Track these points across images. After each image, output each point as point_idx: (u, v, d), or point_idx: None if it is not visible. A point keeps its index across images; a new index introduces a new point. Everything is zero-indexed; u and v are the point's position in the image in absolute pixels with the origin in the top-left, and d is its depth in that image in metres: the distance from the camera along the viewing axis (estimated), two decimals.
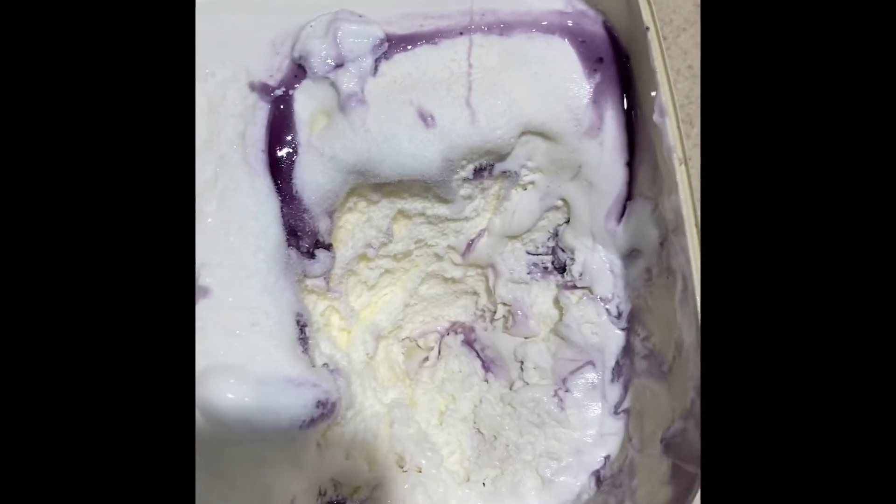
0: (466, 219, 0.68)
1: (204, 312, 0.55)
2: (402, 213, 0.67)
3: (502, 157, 0.63)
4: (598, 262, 0.66)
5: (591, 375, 0.67)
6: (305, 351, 0.59)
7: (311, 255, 0.62)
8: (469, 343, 0.75)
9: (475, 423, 0.71)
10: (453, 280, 0.74)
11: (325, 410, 0.57)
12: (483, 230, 0.70)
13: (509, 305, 0.72)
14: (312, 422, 0.56)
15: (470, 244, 0.70)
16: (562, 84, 0.61)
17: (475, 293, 0.76)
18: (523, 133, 0.62)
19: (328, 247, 0.64)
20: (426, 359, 0.77)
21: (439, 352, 0.76)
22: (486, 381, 0.73)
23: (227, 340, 0.55)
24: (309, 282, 0.64)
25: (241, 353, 0.55)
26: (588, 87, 0.61)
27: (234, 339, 0.55)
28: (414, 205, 0.66)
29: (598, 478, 0.65)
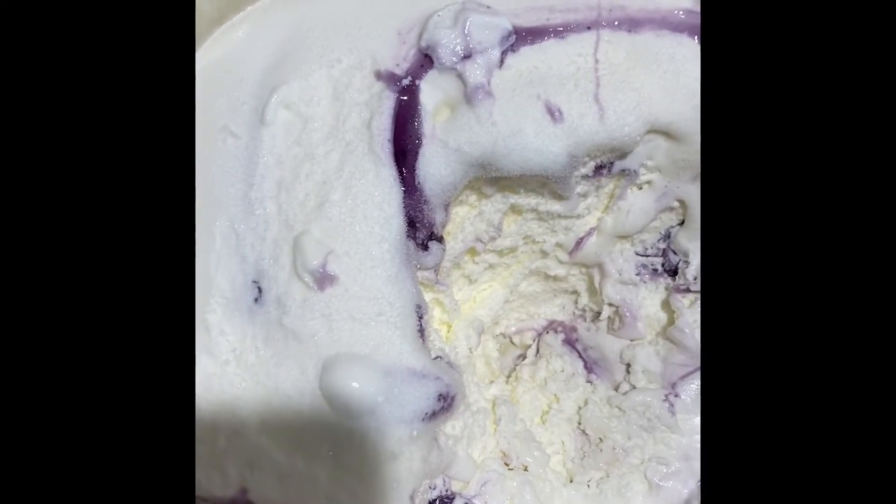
0: (578, 216, 0.67)
1: (331, 300, 0.55)
2: (514, 209, 0.67)
3: (623, 155, 0.62)
4: None
5: None
6: (425, 343, 0.59)
7: (425, 248, 0.62)
8: (570, 343, 0.75)
9: (580, 424, 0.70)
10: (556, 278, 0.73)
11: (446, 404, 0.57)
12: (593, 228, 0.69)
13: (616, 306, 0.71)
14: (434, 415, 0.56)
15: (579, 242, 0.69)
16: (691, 84, 0.60)
17: (575, 292, 0.75)
18: (648, 132, 0.61)
19: (440, 239, 0.63)
20: (521, 356, 0.77)
21: (538, 350, 0.76)
22: (590, 382, 0.72)
23: (353, 329, 0.55)
24: (420, 274, 0.64)
25: (367, 342, 0.55)
26: None
27: (360, 328, 0.55)
28: (528, 200, 0.65)
29: None
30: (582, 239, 0.69)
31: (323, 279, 0.56)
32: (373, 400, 0.53)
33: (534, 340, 0.76)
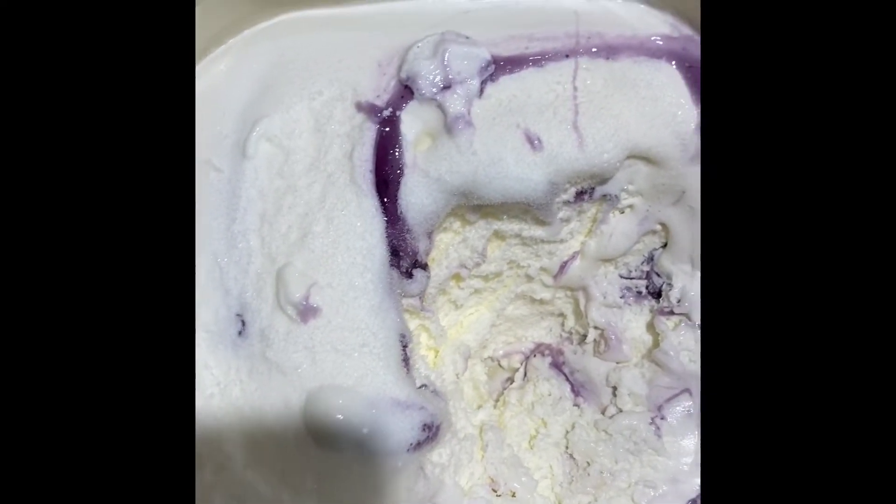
0: (561, 241, 0.68)
1: (314, 332, 0.56)
2: (498, 234, 0.67)
3: (604, 181, 0.63)
4: (698, 289, 0.65)
5: (687, 403, 0.66)
6: (409, 372, 0.59)
7: (410, 275, 0.62)
8: (557, 366, 0.75)
9: (567, 448, 0.70)
10: (542, 301, 0.74)
11: (431, 433, 0.57)
12: (576, 252, 0.69)
13: (602, 329, 0.71)
14: (419, 445, 0.56)
15: (563, 266, 0.70)
16: (669, 109, 0.60)
17: (561, 315, 0.76)
18: (628, 157, 0.61)
19: (425, 266, 0.64)
20: (509, 379, 0.77)
21: (525, 373, 0.76)
22: (577, 405, 0.72)
23: (337, 361, 0.55)
24: (405, 301, 0.64)
25: (350, 373, 0.55)
26: (696, 112, 0.60)
27: (344, 360, 0.55)
28: (511, 226, 0.66)
29: None
30: (566, 263, 0.70)
31: (306, 311, 0.56)
32: (357, 432, 0.53)
33: (521, 364, 0.77)
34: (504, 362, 0.78)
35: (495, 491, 0.65)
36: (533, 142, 0.59)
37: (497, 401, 0.75)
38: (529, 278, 0.71)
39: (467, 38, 0.61)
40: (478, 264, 0.68)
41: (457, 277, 0.69)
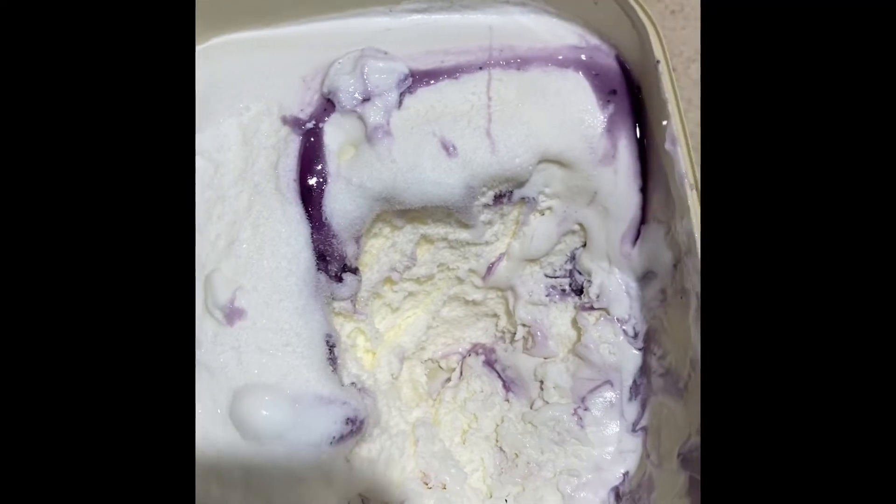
0: (487, 243, 0.71)
1: (240, 333, 0.58)
2: (426, 238, 0.70)
3: (521, 184, 0.66)
4: (615, 284, 0.68)
5: (609, 394, 0.69)
6: (335, 370, 0.62)
7: (339, 279, 0.65)
8: (490, 364, 0.78)
9: (497, 441, 0.73)
10: (474, 302, 0.77)
11: (354, 427, 0.60)
12: (503, 254, 0.73)
13: (529, 326, 0.74)
14: (342, 438, 0.58)
15: (490, 267, 0.73)
16: (577, 115, 0.64)
17: (495, 315, 0.79)
18: (541, 161, 0.65)
19: (355, 271, 0.67)
20: (448, 379, 0.80)
21: (461, 372, 0.79)
22: (508, 400, 0.75)
23: (261, 360, 0.58)
24: (336, 304, 0.67)
25: (274, 372, 0.58)
26: (602, 117, 0.64)
27: (268, 359, 0.58)
28: (436, 230, 0.69)
29: (618, 493, 0.67)
30: (493, 264, 0.73)
31: (232, 314, 0.59)
32: (281, 426, 0.56)
33: (458, 364, 0.80)
34: (443, 363, 0.81)
35: (426, 484, 0.68)
36: (448, 148, 0.62)
37: (435, 400, 0.78)
38: (460, 280, 0.75)
39: (385, 53, 0.64)
40: (408, 267, 0.71)
41: (389, 281, 0.72)
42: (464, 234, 0.69)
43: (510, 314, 0.76)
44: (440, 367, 0.81)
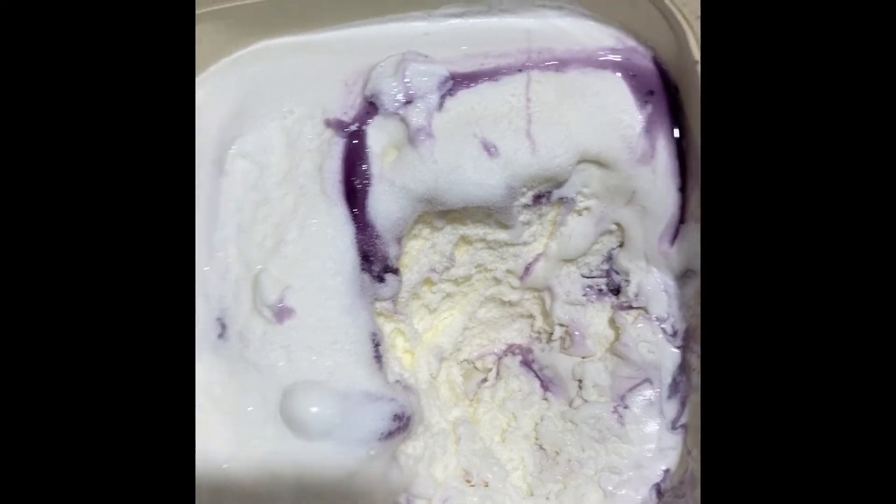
0: (525, 243, 0.72)
1: (290, 332, 0.59)
2: (464, 239, 0.71)
3: (559, 184, 0.67)
4: (653, 284, 0.69)
5: (648, 392, 0.69)
6: (381, 368, 0.63)
7: (381, 279, 0.66)
8: (527, 364, 0.79)
9: (537, 439, 0.74)
10: (510, 303, 0.77)
11: (401, 423, 0.60)
12: (540, 254, 0.73)
13: (566, 326, 0.75)
14: (390, 434, 0.59)
15: (528, 268, 0.74)
16: (615, 115, 0.65)
17: (531, 316, 0.80)
18: (580, 161, 0.65)
19: (396, 271, 0.68)
20: (484, 380, 0.80)
21: (497, 372, 0.79)
22: (546, 399, 0.76)
23: (310, 358, 0.59)
24: (378, 304, 0.68)
25: (323, 369, 0.59)
26: (640, 117, 0.65)
27: (317, 357, 0.59)
28: (476, 230, 0.70)
29: (659, 490, 0.67)
30: (530, 265, 0.74)
31: (281, 313, 0.60)
32: (330, 422, 0.57)
33: (494, 364, 0.80)
34: (479, 364, 0.81)
35: (469, 482, 0.68)
36: (489, 149, 0.63)
37: (472, 400, 0.79)
38: (497, 281, 0.75)
39: (426, 56, 0.66)
40: (447, 268, 0.72)
41: (428, 282, 0.73)
42: (502, 235, 0.70)
43: (546, 314, 0.77)
44: (475, 368, 0.82)
